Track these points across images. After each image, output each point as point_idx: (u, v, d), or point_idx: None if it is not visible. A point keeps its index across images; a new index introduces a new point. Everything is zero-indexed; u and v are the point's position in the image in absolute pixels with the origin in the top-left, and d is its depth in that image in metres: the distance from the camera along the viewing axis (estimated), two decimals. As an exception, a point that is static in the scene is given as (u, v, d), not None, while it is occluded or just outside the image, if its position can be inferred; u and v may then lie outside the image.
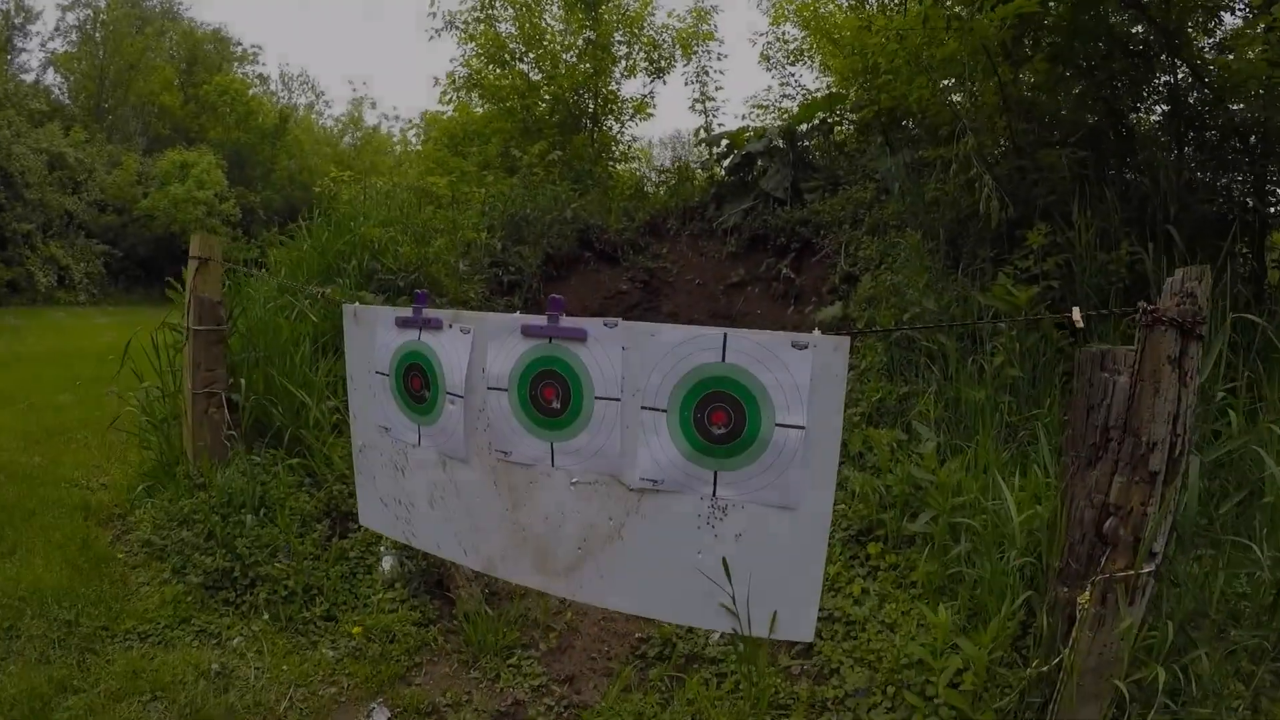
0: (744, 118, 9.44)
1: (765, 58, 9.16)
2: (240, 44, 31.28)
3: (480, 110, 10.53)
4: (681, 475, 2.29)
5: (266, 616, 3.47)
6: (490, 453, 2.57)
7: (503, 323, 2.48)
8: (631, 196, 8.90)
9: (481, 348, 2.53)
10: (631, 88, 11.99)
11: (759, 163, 8.42)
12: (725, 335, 2.22)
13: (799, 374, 2.13)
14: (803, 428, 2.14)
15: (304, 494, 4.01)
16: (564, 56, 10.42)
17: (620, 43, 10.27)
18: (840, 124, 8.58)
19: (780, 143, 8.27)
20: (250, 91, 26.90)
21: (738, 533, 2.28)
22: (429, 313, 2.68)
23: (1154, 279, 5.12)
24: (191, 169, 21.93)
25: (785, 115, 9.39)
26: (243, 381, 4.22)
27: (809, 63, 9.24)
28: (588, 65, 10.10)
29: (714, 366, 2.23)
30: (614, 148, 10.38)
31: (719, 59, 9.85)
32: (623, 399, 2.34)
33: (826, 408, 2.14)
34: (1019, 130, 5.88)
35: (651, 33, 10.37)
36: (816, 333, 2.14)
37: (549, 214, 7.82)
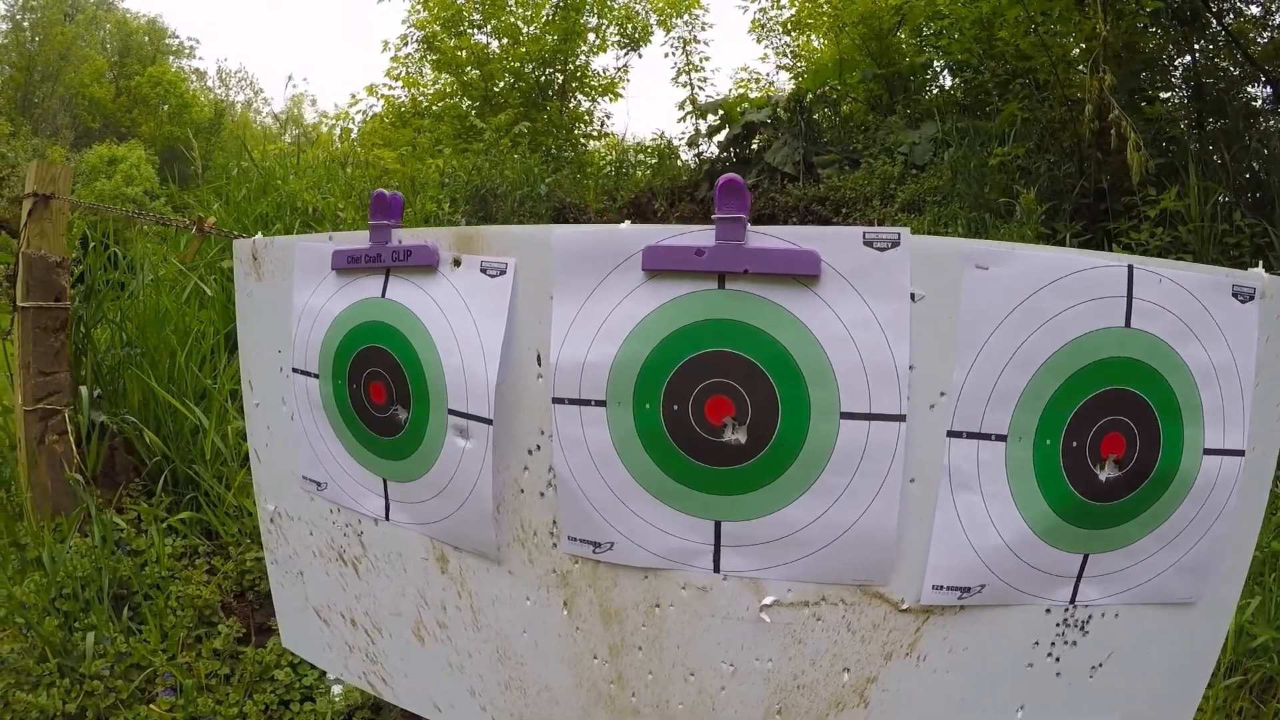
0: (735, 90, 8.05)
1: (759, 25, 7.77)
2: (176, 36, 28.47)
3: (433, 85, 8.89)
4: (1022, 570, 1.00)
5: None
6: (557, 544, 1.06)
7: (603, 244, 0.95)
8: (611, 175, 7.41)
9: (536, 307, 1.01)
10: (603, 62, 10.45)
11: (759, 136, 7.03)
12: (1131, 270, 0.94)
13: (1241, 350, 1.00)
14: (1241, 452, 1.01)
15: (198, 570, 2.39)
16: (525, 29, 8.86)
17: (590, 12, 8.75)
18: (847, 96, 7.25)
19: (784, 113, 6.88)
20: (186, 85, 24.38)
21: (1096, 663, 1.07)
22: (406, 237, 1.14)
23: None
24: (120, 164, 19.50)
25: (773, 90, 8.04)
26: (84, 392, 2.57)
27: (807, 33, 7.89)
28: (554, 36, 8.57)
29: (1114, 338, 0.95)
30: (585, 125, 8.86)
31: (704, 28, 8.41)
32: (908, 414, 0.92)
33: (1270, 410, 1.04)
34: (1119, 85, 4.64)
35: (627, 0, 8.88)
36: (1259, 270, 1.02)
37: (519, 189, 6.29)
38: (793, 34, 7.97)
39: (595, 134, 8.97)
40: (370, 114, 9.14)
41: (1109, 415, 0.98)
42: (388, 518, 1.26)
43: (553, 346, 0.98)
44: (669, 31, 8.50)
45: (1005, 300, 0.93)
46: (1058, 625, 1.06)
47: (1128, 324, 0.96)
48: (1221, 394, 1.01)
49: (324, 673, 2.16)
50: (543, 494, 1.05)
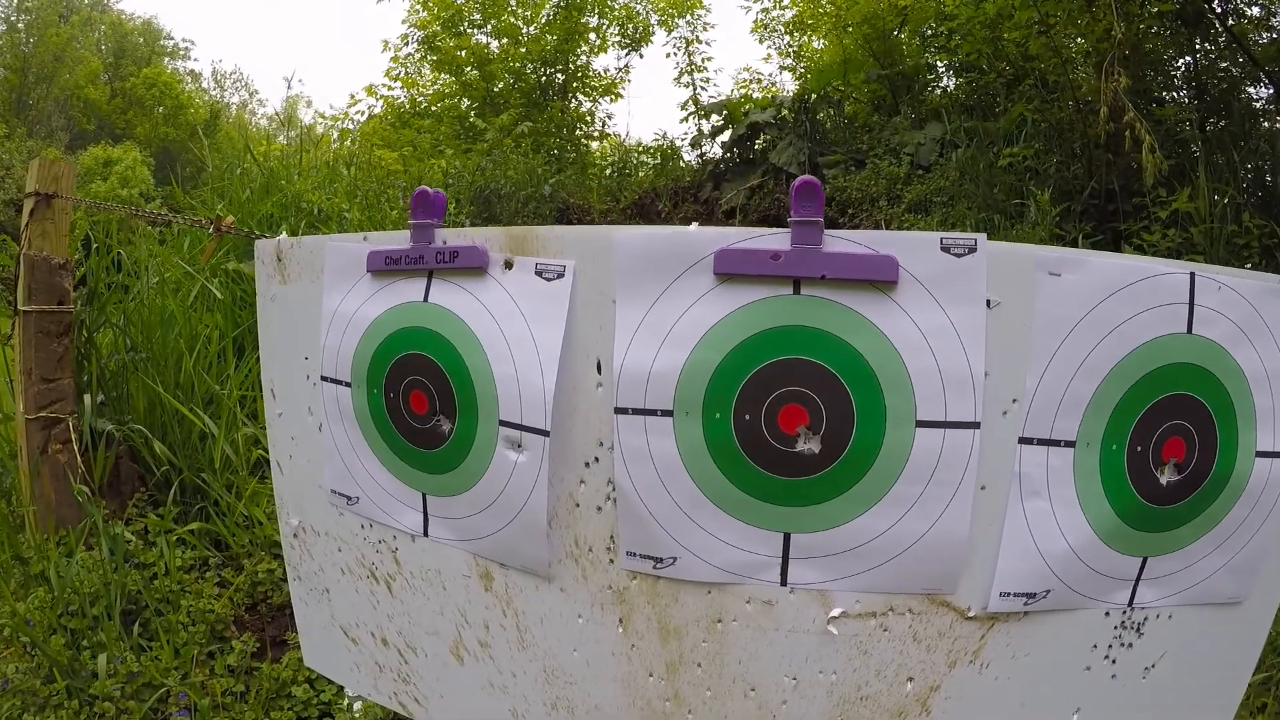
0: (738, 90, 8.03)
1: (761, 25, 7.75)
2: (172, 38, 28.25)
3: (432, 85, 8.85)
4: (1085, 574, 1.01)
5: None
6: (614, 560, 1.03)
7: (672, 247, 0.92)
8: (613, 176, 7.39)
9: (596, 313, 0.97)
10: (604, 62, 10.35)
11: (763, 136, 7.01)
12: (1193, 277, 0.96)
13: None
14: None
15: (209, 583, 2.34)
16: (525, 29, 8.83)
17: (591, 12, 8.73)
18: (850, 97, 7.23)
19: (788, 114, 6.86)
20: (181, 87, 24.18)
21: (1149, 664, 1.08)
22: (451, 237, 1.10)
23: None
24: (115, 166, 19.32)
25: (776, 91, 8.02)
26: (88, 400, 2.52)
27: (809, 34, 7.88)
28: (554, 36, 8.54)
29: (1176, 344, 0.96)
30: (586, 125, 8.84)
31: (706, 29, 8.38)
32: (983, 420, 0.91)
33: None
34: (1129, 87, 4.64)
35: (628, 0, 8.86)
36: None
37: (523, 189, 6.27)
38: (795, 34, 7.96)
39: (597, 134, 8.96)
40: (369, 115, 9.10)
41: (1171, 420, 0.99)
42: (426, 534, 1.22)
43: (616, 354, 0.94)
44: (670, 32, 8.50)
45: (1077, 307, 0.93)
46: (1115, 628, 1.07)
47: (1189, 330, 0.97)
48: (1273, 397, 1.03)
49: (342, 687, 2.11)
50: (600, 508, 1.02)
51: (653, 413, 0.93)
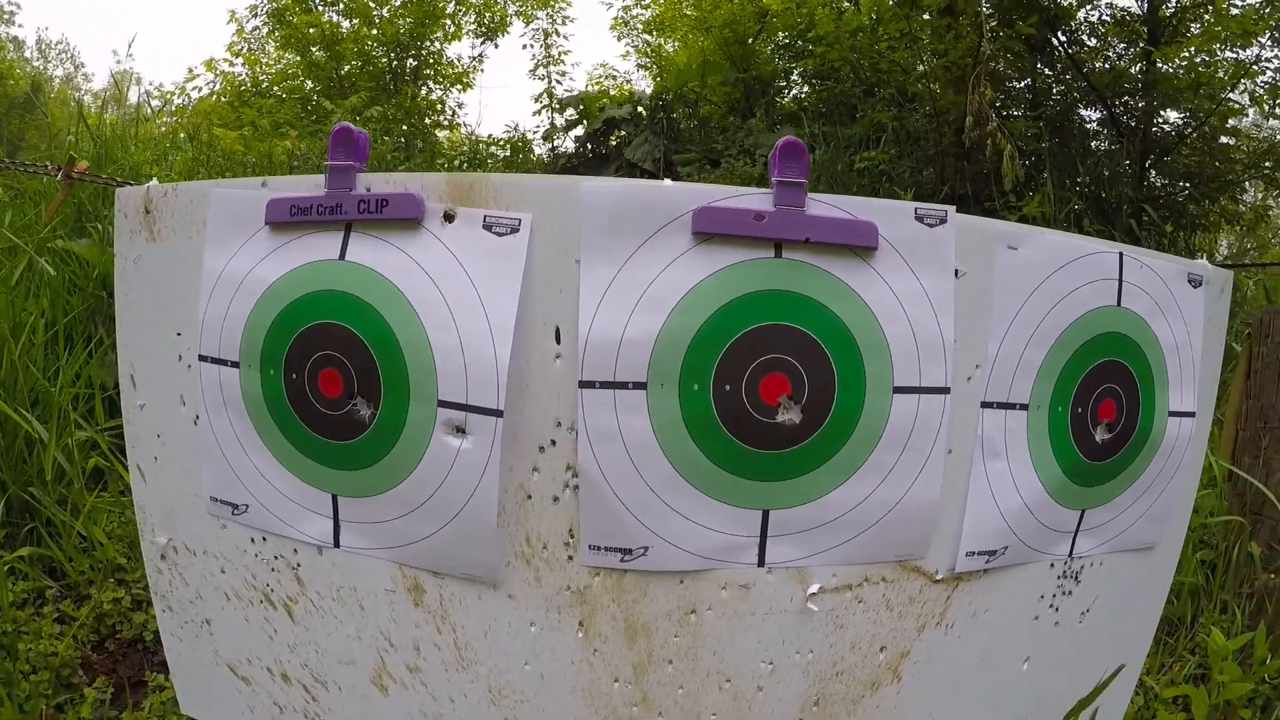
0: (593, 86, 7.98)
1: (622, 23, 7.73)
2: (-5, -1, 24.49)
3: (275, 64, 8.21)
4: (1036, 529, 1.06)
5: None
6: (573, 556, 0.92)
7: (647, 202, 0.82)
8: (463, 166, 7.14)
9: (556, 274, 0.85)
10: (459, 50, 9.88)
11: (618, 132, 6.98)
12: (1121, 256, 1.05)
13: (1193, 326, 1.16)
14: (1193, 414, 1.17)
15: (47, 620, 1.97)
16: (377, 11, 8.38)
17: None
18: (704, 98, 7.35)
19: (644, 111, 6.88)
20: (2, 54, 21.03)
21: (1084, 609, 1.17)
22: (376, 183, 0.95)
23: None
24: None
25: (629, 89, 8.05)
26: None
27: (666, 36, 7.95)
28: (409, 20, 8.16)
29: (1109, 315, 1.05)
30: (437, 113, 8.51)
31: (565, 22, 8.26)
32: (952, 387, 0.92)
33: (1210, 380, 1.22)
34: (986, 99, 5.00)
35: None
36: (1204, 261, 1.19)
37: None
38: (654, 34, 8.00)
39: (447, 124, 8.63)
40: (209, 91, 8.29)
41: (1105, 384, 1.08)
42: (337, 544, 1.04)
43: (581, 320, 0.84)
44: (529, 23, 8.32)
45: (1031, 278, 0.98)
46: (1059, 578, 1.14)
47: (1119, 303, 1.06)
48: (1180, 364, 1.14)
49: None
50: (556, 499, 0.90)
51: (624, 385, 0.83)
